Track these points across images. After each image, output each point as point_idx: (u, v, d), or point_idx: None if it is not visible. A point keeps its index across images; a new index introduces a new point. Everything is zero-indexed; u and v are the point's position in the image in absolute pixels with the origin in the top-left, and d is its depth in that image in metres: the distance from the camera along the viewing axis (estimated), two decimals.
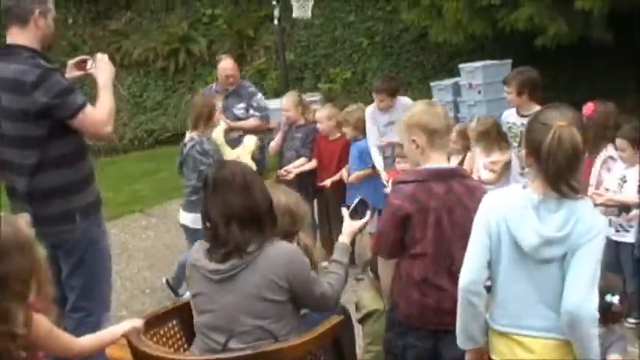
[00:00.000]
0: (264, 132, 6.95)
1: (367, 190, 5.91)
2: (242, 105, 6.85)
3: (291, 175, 6.42)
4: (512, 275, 2.67)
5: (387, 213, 3.26)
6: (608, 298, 3.32)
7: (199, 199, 4.35)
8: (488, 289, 2.74)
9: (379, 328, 3.77)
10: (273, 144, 6.81)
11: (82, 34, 15.46)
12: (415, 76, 13.78)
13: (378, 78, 7.13)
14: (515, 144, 5.43)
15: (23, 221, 2.54)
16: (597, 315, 2.56)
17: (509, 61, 10.36)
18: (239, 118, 6.80)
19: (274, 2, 11.41)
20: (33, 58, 3.66)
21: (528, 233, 2.58)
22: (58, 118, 3.66)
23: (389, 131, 6.19)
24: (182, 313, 3.39)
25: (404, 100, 6.34)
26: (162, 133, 14.15)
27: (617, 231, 4.90)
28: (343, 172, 6.40)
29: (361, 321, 4.02)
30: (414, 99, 6.41)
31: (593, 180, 4.98)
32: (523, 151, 2.93)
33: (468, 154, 5.94)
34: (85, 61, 4.07)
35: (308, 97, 10.28)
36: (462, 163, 5.73)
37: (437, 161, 3.23)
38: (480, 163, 5.80)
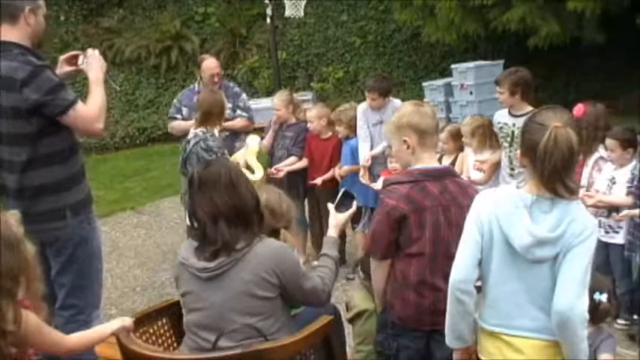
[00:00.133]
0: (249, 132, 6.94)
1: (361, 188, 5.93)
2: (228, 105, 6.83)
3: (282, 174, 6.41)
4: (503, 275, 2.67)
5: (381, 214, 3.24)
6: (596, 296, 3.33)
7: None
8: (479, 289, 2.75)
9: (369, 328, 3.77)
10: (265, 142, 6.80)
11: (74, 31, 15.43)
12: (407, 76, 13.78)
13: (372, 77, 7.12)
14: (505, 144, 5.44)
15: (12, 218, 2.54)
16: (587, 316, 2.57)
17: (502, 61, 10.37)
18: (226, 119, 6.78)
19: (267, 1, 11.38)
20: (23, 55, 3.64)
21: (521, 233, 2.58)
22: (48, 114, 3.63)
23: (378, 130, 6.20)
24: (172, 312, 3.39)
25: (396, 102, 6.32)
26: (154, 131, 14.15)
27: (607, 232, 4.92)
28: (335, 171, 6.40)
29: (351, 321, 4.01)
30: (406, 99, 6.42)
31: (584, 181, 5.00)
32: (518, 152, 2.93)
33: (460, 155, 5.95)
34: (76, 57, 4.03)
35: (299, 96, 10.30)
36: (453, 163, 5.74)
37: (428, 161, 3.25)
38: (471, 163, 5.81)
